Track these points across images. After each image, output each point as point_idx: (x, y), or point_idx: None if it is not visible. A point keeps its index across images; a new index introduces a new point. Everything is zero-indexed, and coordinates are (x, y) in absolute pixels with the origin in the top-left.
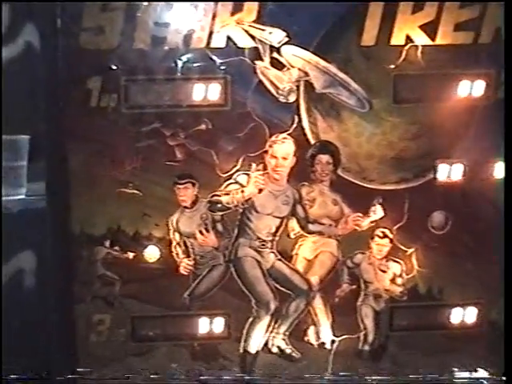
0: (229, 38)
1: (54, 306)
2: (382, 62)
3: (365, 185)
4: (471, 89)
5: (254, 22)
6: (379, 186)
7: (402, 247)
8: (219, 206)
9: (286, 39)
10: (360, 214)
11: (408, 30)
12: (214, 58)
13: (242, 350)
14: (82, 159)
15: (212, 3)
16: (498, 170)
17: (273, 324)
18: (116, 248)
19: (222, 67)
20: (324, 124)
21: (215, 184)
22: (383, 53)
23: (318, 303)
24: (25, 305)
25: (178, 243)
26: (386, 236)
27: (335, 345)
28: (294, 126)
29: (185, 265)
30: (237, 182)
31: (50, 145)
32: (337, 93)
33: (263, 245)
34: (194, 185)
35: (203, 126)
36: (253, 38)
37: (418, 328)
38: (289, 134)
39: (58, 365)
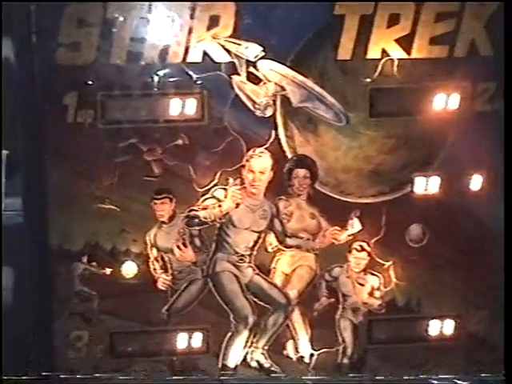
0: (205, 53)
1: (32, 323)
2: (358, 75)
3: (342, 198)
4: (447, 102)
5: (230, 36)
6: (357, 200)
7: (380, 260)
8: (197, 220)
9: (263, 54)
10: (338, 228)
11: (384, 44)
12: (191, 72)
13: (220, 365)
14: (59, 175)
15: (188, 18)
16: (475, 183)
17: (251, 338)
18: (93, 264)
19: (199, 82)
20: (301, 138)
21: (192, 199)
22: (359, 67)
23: (296, 317)
24: (2, 321)
25: (156, 258)
26: (363, 249)
27: (314, 358)
28: (271, 140)
29: (163, 280)
30: (214, 197)
31: (26, 160)
32: (313, 107)
33: (241, 259)
34: (171, 200)
35: (180, 141)
36: (229, 52)
37: (396, 341)
38: (266, 149)
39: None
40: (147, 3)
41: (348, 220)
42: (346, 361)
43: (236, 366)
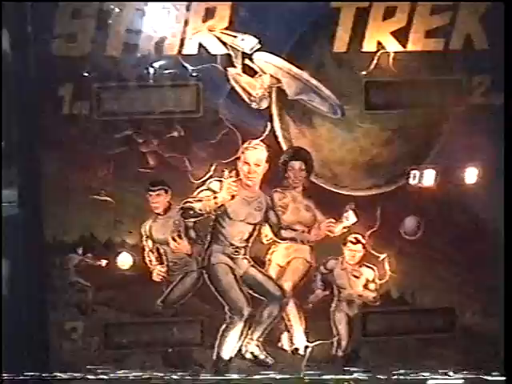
0: (201, 45)
1: (27, 314)
2: (353, 68)
3: (337, 191)
4: (442, 95)
5: (225, 28)
6: (352, 192)
7: (375, 253)
8: (192, 212)
9: (258, 46)
10: (333, 220)
11: (379, 37)
12: (186, 64)
13: (215, 357)
14: (55, 166)
15: (184, 10)
16: (470, 175)
17: (246, 330)
18: (89, 255)
19: (194, 74)
20: (296, 130)
21: (188, 191)
22: (355, 59)
23: (291, 309)
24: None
25: (151, 250)
26: (358, 242)
27: (308, 350)
28: (267, 132)
29: (158, 272)
30: (209, 189)
31: (22, 152)
32: (309, 99)
33: (236, 251)
34: (166, 192)
35: (175, 133)
36: (225, 44)
37: (390, 333)
38: (261, 141)
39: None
40: None
41: (343, 212)
42: (340, 353)
43: (231, 358)
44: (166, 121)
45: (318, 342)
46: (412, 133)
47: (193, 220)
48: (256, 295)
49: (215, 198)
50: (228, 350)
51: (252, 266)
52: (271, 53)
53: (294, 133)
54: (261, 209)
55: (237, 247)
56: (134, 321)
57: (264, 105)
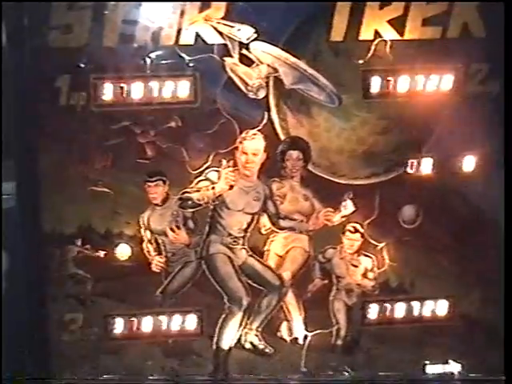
0: (197, 35)
1: (26, 306)
2: (351, 57)
3: (335, 180)
4: (440, 83)
5: (222, 18)
6: (350, 181)
7: (374, 242)
8: (190, 203)
9: (255, 35)
10: (331, 209)
11: (376, 25)
12: (183, 55)
13: (214, 347)
14: (52, 158)
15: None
16: (468, 164)
17: (245, 320)
18: (87, 246)
19: (191, 64)
20: (294, 120)
21: (186, 181)
22: (352, 48)
23: (290, 299)
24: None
25: (150, 241)
26: (357, 231)
27: (308, 340)
28: (264, 122)
29: (156, 262)
30: (207, 179)
31: (19, 144)
32: (306, 88)
33: (235, 241)
34: (164, 182)
35: (173, 124)
36: (221, 34)
37: (389, 322)
38: (259, 130)
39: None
40: None
41: (341, 201)
42: (339, 342)
43: (230, 348)
44: (163, 111)
45: (317, 332)
46: (410, 121)
47: (191, 210)
48: (255, 285)
49: (213, 188)
50: (227, 340)
51: (250, 255)
52: (268, 42)
53: (292, 122)
54: (259, 198)
55: (235, 237)
56: (133, 312)
57: (261, 94)
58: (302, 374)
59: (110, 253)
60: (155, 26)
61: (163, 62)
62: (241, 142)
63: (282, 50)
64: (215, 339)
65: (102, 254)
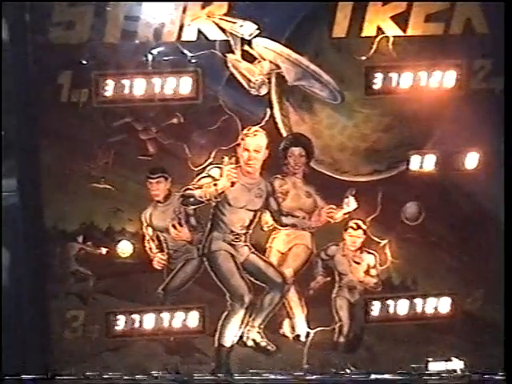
0: (199, 31)
1: (28, 303)
2: (353, 53)
3: (338, 177)
4: (442, 80)
5: (224, 14)
6: (352, 178)
7: (376, 238)
8: (192, 199)
9: (257, 32)
10: (333, 206)
11: (379, 22)
12: (185, 51)
13: (216, 344)
14: (54, 155)
15: None
16: (471, 160)
17: (247, 317)
18: (89, 243)
19: (193, 60)
20: (296, 116)
21: (188, 178)
22: (355, 44)
23: (292, 296)
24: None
25: (152, 238)
26: (359, 227)
27: (310, 337)
28: (266, 118)
29: (158, 259)
30: (209, 176)
31: (21, 141)
32: (309, 85)
33: (237, 238)
34: (166, 179)
35: (175, 120)
36: (224, 30)
37: (392, 319)
38: (261, 127)
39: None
40: None
41: (344, 198)
42: (342, 339)
43: (232, 345)
44: (165, 108)
45: (319, 329)
46: (412, 118)
47: (193, 207)
48: (257, 282)
49: (215, 184)
50: (229, 337)
51: (253, 252)
52: (270, 39)
53: (294, 119)
54: (261, 195)
55: (237, 234)
56: (135, 309)
57: (263, 91)
58: (304, 371)
59: (111, 250)
60: (157, 23)
61: (165, 58)
62: (243, 139)
63: (285, 46)
64: (217, 336)
65: (103, 251)
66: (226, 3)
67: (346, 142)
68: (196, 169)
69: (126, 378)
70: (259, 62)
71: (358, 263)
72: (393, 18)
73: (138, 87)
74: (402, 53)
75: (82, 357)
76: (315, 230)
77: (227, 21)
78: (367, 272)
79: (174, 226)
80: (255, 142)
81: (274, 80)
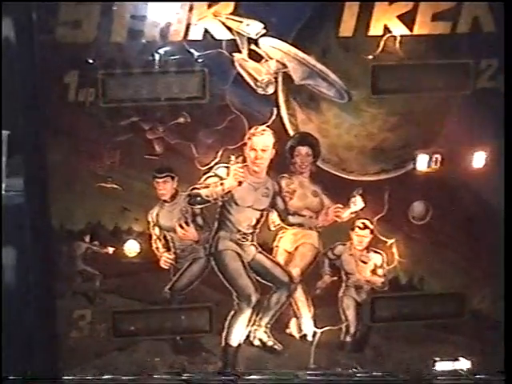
0: (206, 31)
1: (35, 302)
2: (360, 52)
3: (345, 176)
4: (449, 78)
5: (231, 13)
6: (359, 177)
7: (383, 238)
8: (199, 199)
9: (264, 31)
10: (340, 206)
11: (386, 21)
12: (192, 50)
13: (223, 343)
14: (61, 154)
15: None
16: (478, 160)
17: (254, 317)
18: (96, 243)
19: (200, 60)
20: (303, 115)
21: (194, 177)
22: (361, 43)
23: (299, 295)
24: (4, 301)
25: (158, 237)
26: (366, 227)
27: (317, 336)
28: (273, 118)
29: (165, 259)
30: (216, 175)
31: (27, 140)
32: (315, 84)
33: (244, 237)
34: (173, 178)
35: (182, 120)
36: (230, 30)
37: (399, 318)
38: (268, 126)
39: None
40: None
41: (351, 198)
42: (348, 339)
43: (239, 345)
44: (171, 107)
45: (326, 328)
46: (419, 117)
47: (200, 206)
48: (264, 281)
49: (222, 184)
50: (236, 337)
51: (259, 252)
52: (277, 38)
53: (301, 118)
54: (268, 195)
55: (244, 233)
56: (142, 308)
57: (270, 90)
58: (311, 370)
59: (118, 249)
60: (164, 22)
61: (172, 57)
62: (250, 138)
63: (291, 45)
64: (224, 336)
65: (110, 250)
66: (232, 2)
67: (352, 141)
68: (203, 168)
69: (132, 377)
70: (266, 61)
71: (364, 262)
72: (400, 17)
73: (144, 86)
74: (409, 52)
75: (89, 356)
76: (322, 229)
77: (234, 20)
78: (374, 271)
79: (180, 226)
80: (262, 141)
81: (280, 79)
